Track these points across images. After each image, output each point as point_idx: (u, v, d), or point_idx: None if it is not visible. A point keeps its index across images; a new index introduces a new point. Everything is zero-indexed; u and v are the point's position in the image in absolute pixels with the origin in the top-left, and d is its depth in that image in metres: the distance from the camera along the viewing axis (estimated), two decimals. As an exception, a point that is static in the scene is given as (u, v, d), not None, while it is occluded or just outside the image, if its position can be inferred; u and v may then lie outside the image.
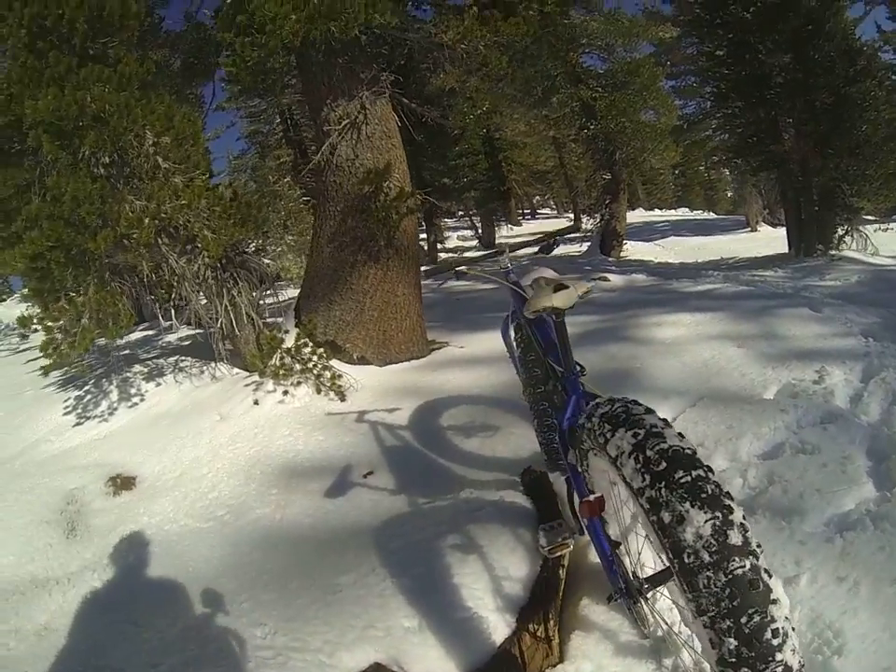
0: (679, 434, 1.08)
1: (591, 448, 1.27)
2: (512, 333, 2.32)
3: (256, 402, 3.46)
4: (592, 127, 11.72)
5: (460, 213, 20.08)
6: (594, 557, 1.81)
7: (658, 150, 12.55)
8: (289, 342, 3.81)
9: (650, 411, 1.17)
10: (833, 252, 8.77)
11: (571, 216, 26.32)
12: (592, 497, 1.29)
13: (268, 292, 4.45)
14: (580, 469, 1.42)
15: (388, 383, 3.76)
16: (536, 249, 2.55)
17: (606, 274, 7.39)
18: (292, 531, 2.27)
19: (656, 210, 31.10)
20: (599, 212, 12.65)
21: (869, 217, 9.28)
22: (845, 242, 9.07)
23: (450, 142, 12.74)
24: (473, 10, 3.67)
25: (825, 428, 2.35)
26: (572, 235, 14.52)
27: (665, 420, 1.13)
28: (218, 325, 3.73)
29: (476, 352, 4.15)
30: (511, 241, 13.90)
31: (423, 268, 2.48)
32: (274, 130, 16.53)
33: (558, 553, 1.62)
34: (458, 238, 21.02)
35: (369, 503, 2.34)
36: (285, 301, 5.08)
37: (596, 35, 10.76)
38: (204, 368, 4.15)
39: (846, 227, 9.03)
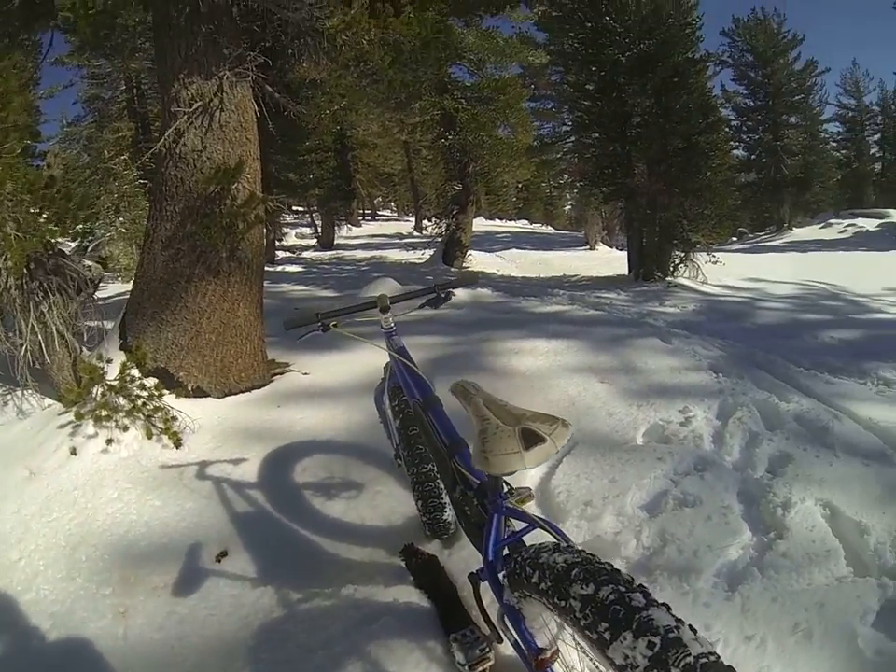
0: (691, 628, 0.92)
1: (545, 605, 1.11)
2: (388, 400, 2.17)
3: (73, 451, 2.95)
4: (450, 137, 12.44)
5: (301, 210, 19.76)
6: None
7: (512, 167, 13.46)
8: (113, 372, 3.34)
9: (630, 584, 1.00)
10: (670, 279, 10.23)
11: (412, 220, 27.22)
12: (548, 653, 1.16)
13: (88, 304, 3.81)
14: (517, 607, 1.25)
15: (230, 421, 3.46)
16: (422, 302, 2.25)
17: (451, 289, 7.54)
18: (143, 654, 1.89)
19: (497, 220, 33.00)
20: (445, 221, 13.14)
21: (701, 248, 10.67)
22: (679, 269, 10.51)
23: (302, 135, 12.51)
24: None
25: (702, 477, 2.58)
26: (413, 239, 14.97)
27: (666, 606, 0.97)
28: (23, 349, 3.11)
29: (323, 381, 3.94)
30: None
31: (284, 319, 2.23)
32: (117, 98, 15.23)
33: (479, 670, 1.46)
34: (297, 236, 20.66)
35: (229, 602, 2.06)
36: (111, 298, 4.41)
37: (471, 49, 11.27)
38: (8, 398, 3.59)
39: (682, 257, 10.57)
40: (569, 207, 40.47)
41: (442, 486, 1.91)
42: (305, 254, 15.73)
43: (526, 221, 38.53)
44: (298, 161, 13.43)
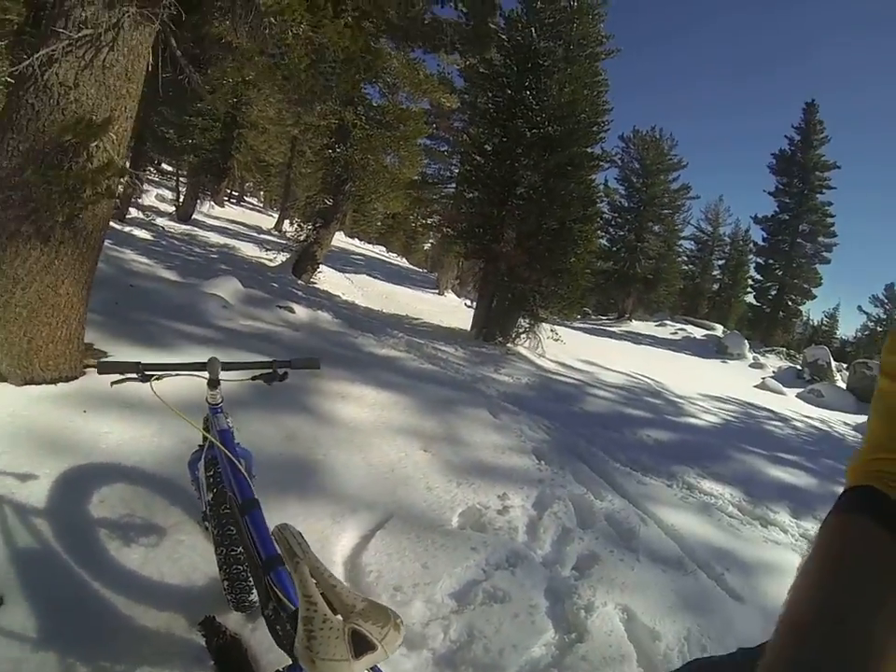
0: None
1: None
2: (203, 469, 2.01)
3: None
4: (338, 150, 12.33)
5: (169, 171, 18.53)
6: None
7: (387, 197, 13.59)
8: None
9: None
10: (510, 345, 10.81)
11: (276, 217, 26.58)
12: None
13: None
14: None
15: (24, 420, 2.99)
16: (257, 375, 2.04)
17: (292, 304, 7.35)
18: None
19: (356, 239, 33.11)
20: (306, 231, 12.96)
21: (545, 320, 11.41)
22: (521, 338, 11.17)
23: (194, 95, 11.82)
24: None
25: (513, 572, 2.71)
26: (271, 238, 14.53)
27: None
28: None
29: (140, 386, 3.57)
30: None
31: (98, 360, 1.88)
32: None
33: None
34: (156, 198, 19.21)
35: (7, 669, 1.77)
36: None
37: (391, 73, 11.46)
38: None
39: (526, 327, 11.29)
40: (429, 246, 41.82)
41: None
42: (159, 220, 14.60)
43: (384, 248, 39.15)
44: (182, 121, 12.79)
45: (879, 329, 40.22)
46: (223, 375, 1.88)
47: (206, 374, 1.88)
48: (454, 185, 21.87)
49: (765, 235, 36.21)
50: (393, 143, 12.76)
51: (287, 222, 24.77)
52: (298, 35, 3.50)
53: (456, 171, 21.35)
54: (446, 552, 2.72)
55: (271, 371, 1.97)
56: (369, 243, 37.78)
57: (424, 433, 4.15)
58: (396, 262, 34.17)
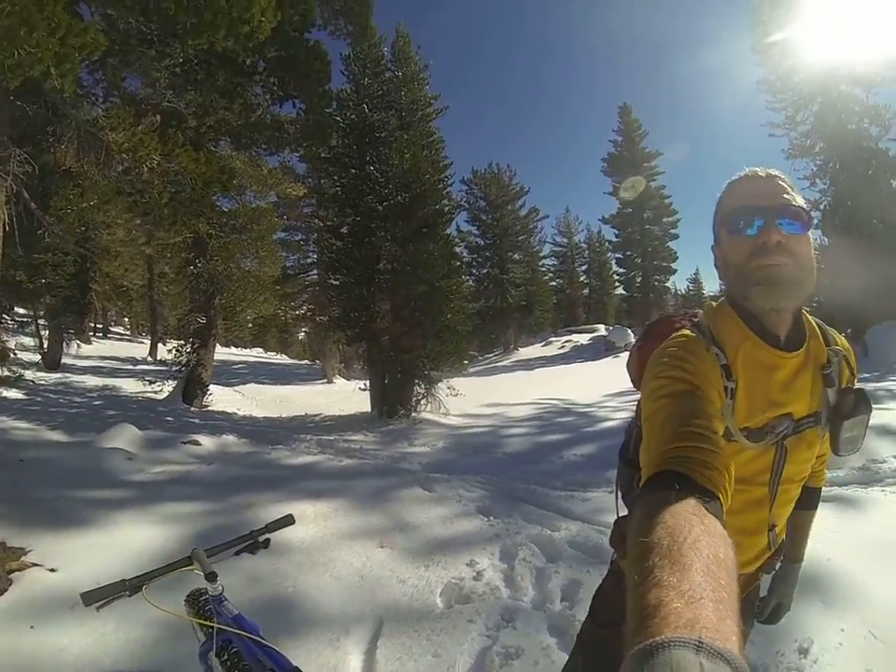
0: None
1: None
2: (215, 657, 1.88)
3: None
4: (199, 265, 12.06)
5: (26, 319, 17.19)
6: None
7: (257, 302, 13.46)
8: None
9: None
10: (414, 415, 11.01)
11: (148, 342, 25.56)
12: None
13: None
14: None
15: None
16: (240, 547, 2.01)
17: (196, 437, 7.20)
18: None
19: (231, 347, 32.37)
20: (185, 354, 12.49)
21: (441, 377, 11.70)
22: (421, 405, 11.40)
23: (41, 231, 11.21)
24: (155, 119, 3.38)
25: (514, 626, 2.90)
26: (149, 367, 13.87)
27: None
28: None
29: (80, 578, 3.17)
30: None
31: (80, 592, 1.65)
32: None
33: None
34: (17, 346, 17.70)
35: None
36: None
37: (235, 175, 11.47)
38: None
39: (423, 393, 11.59)
40: (303, 336, 41.61)
41: None
42: (28, 374, 13.41)
43: (261, 349, 38.48)
44: (32, 260, 12.08)
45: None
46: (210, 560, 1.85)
47: (197, 569, 1.83)
48: (315, 271, 22.13)
49: (617, 231, 39.72)
50: (251, 245, 12.76)
51: (160, 346, 24.00)
52: (153, 169, 3.59)
53: (315, 257, 21.62)
54: (448, 634, 2.84)
55: (252, 541, 2.01)
56: (245, 347, 36.91)
57: (373, 530, 4.23)
58: (277, 361, 33.63)
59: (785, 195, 1.15)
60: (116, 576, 2.24)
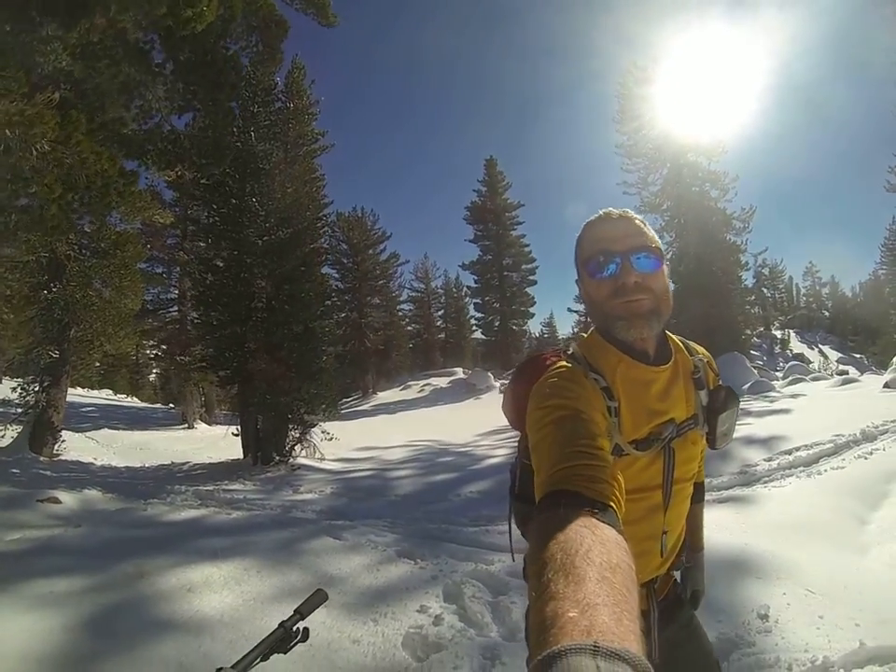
0: None
1: None
2: None
3: None
4: (54, 290, 10.51)
5: None
6: None
7: (118, 336, 12.04)
8: None
9: None
10: (292, 461, 10.42)
11: None
12: None
13: None
14: None
15: None
16: (270, 648, 1.29)
17: (53, 493, 6.22)
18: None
19: (78, 388, 29.27)
20: (33, 394, 10.73)
21: (315, 421, 11.14)
22: (295, 450, 10.81)
23: None
24: (54, 95, 2.77)
25: (502, 662, 2.82)
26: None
27: None
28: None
29: None
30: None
31: None
32: None
33: None
34: None
35: None
36: None
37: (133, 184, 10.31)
38: None
39: (298, 438, 10.95)
40: (154, 377, 39.16)
41: None
42: None
43: (111, 391, 35.22)
44: None
45: (588, 319, 48.49)
46: None
47: None
48: (175, 308, 20.65)
49: (476, 277, 41.09)
50: (114, 272, 11.45)
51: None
52: (44, 155, 2.96)
53: (177, 292, 20.19)
54: None
55: (282, 631, 1.44)
56: (92, 388, 33.51)
57: (297, 589, 3.75)
58: (129, 404, 30.80)
59: (638, 236, 1.24)
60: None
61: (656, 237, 1.29)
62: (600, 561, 0.64)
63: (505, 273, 40.34)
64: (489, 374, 29.15)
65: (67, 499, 6.10)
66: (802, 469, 5.95)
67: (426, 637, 3.09)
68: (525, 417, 1.20)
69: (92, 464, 10.51)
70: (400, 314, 42.88)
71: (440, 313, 47.41)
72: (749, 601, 3.14)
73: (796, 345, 29.01)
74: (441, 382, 32.34)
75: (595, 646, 0.48)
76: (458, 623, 3.25)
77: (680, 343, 1.40)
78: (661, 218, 23.81)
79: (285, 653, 1.39)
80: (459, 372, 34.07)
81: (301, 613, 1.48)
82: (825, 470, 5.64)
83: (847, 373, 19.43)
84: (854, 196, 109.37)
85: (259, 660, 1.34)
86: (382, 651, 2.98)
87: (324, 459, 10.86)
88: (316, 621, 3.25)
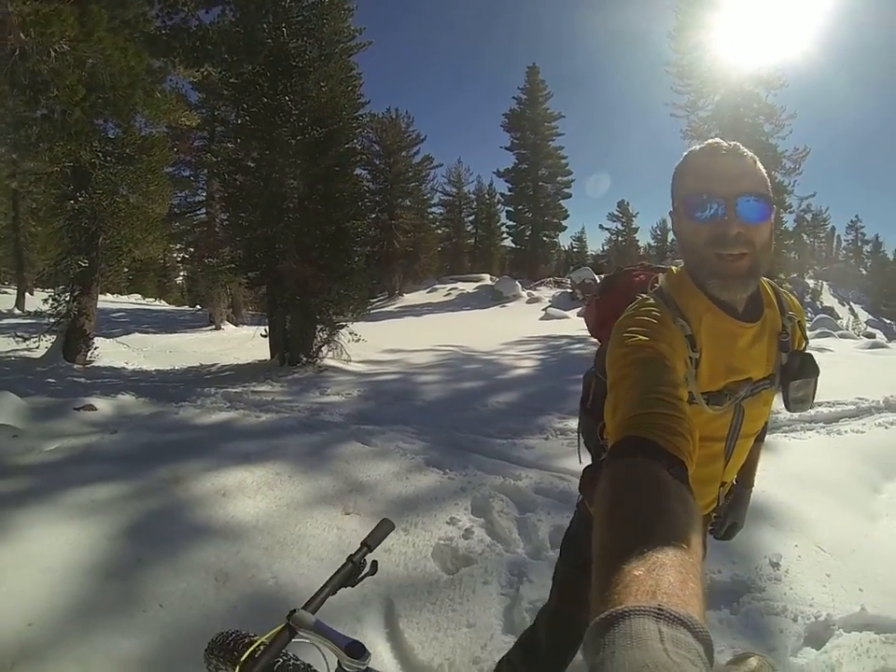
0: None
1: None
2: None
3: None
4: (81, 199, 10.34)
5: None
6: None
7: (146, 241, 11.97)
8: None
9: None
10: (319, 363, 10.44)
11: (14, 292, 22.80)
12: None
13: None
14: None
15: None
16: (341, 583, 1.26)
17: (88, 401, 6.30)
18: None
19: (108, 294, 29.81)
20: (64, 303, 10.83)
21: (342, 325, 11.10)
22: (322, 351, 10.82)
23: None
24: None
25: (529, 580, 2.81)
26: (17, 320, 11.99)
27: None
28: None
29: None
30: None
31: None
32: None
33: None
34: None
35: None
36: None
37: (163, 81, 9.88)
38: None
39: (325, 339, 10.93)
40: (181, 280, 39.57)
41: None
42: None
43: (139, 296, 35.84)
44: None
45: (620, 238, 50.25)
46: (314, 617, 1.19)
47: (309, 638, 1.17)
48: (203, 211, 20.48)
49: (510, 185, 40.34)
50: (140, 178, 11.25)
51: (27, 295, 21.45)
52: (63, 55, 2.75)
53: (205, 194, 19.96)
54: (468, 601, 2.68)
55: (350, 565, 1.36)
56: (121, 294, 34.04)
57: (329, 495, 3.83)
58: (158, 307, 31.30)
59: (748, 177, 1.13)
60: (45, 619, 1.75)
61: (767, 179, 1.17)
62: (670, 518, 0.64)
63: (540, 184, 39.53)
64: (517, 283, 28.94)
65: (102, 406, 6.18)
66: (822, 425, 5.78)
67: (455, 550, 3.13)
68: (608, 333, 1.19)
69: (124, 368, 10.77)
70: (431, 217, 42.24)
71: (470, 218, 46.75)
72: (762, 547, 3.20)
73: (828, 298, 28.12)
74: (468, 287, 32.28)
75: (658, 609, 0.48)
76: (487, 537, 3.28)
77: (773, 297, 1.32)
78: None
79: (353, 587, 1.36)
80: (487, 279, 33.94)
81: (368, 546, 1.42)
82: (845, 431, 5.50)
83: (875, 337, 18.98)
84: None
85: (329, 595, 1.31)
86: (413, 561, 3.02)
87: (350, 361, 10.86)
88: (349, 528, 3.35)
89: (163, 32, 6.16)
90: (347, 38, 11.92)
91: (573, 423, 6.11)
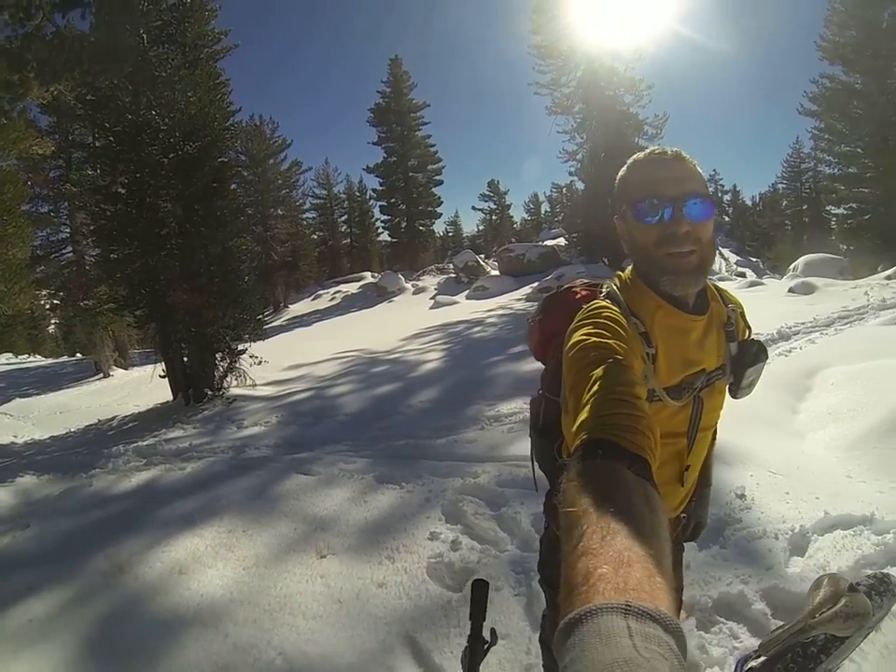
0: None
1: None
2: None
3: None
4: None
5: None
6: None
7: (13, 293, 10.63)
8: None
9: None
10: (225, 393, 9.89)
11: None
12: None
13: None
14: None
15: None
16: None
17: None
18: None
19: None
20: None
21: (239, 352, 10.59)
22: (227, 381, 10.30)
23: None
24: None
25: (528, 575, 2.87)
26: None
27: None
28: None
29: None
30: None
31: None
32: None
33: None
34: None
35: None
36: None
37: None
38: None
39: (227, 367, 10.34)
40: (53, 328, 36.72)
41: None
42: None
43: (10, 354, 32.46)
44: None
45: (494, 217, 52.37)
46: None
47: None
48: (70, 249, 18.82)
49: (381, 180, 40.22)
50: None
51: None
52: None
53: (69, 231, 18.33)
54: (490, 611, 2.55)
55: (478, 649, 1.21)
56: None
57: (293, 540, 3.57)
58: (34, 364, 28.28)
59: (692, 180, 1.18)
60: None
61: (706, 180, 1.24)
62: (636, 516, 0.64)
63: (410, 175, 39.65)
64: (399, 276, 29.10)
65: (2, 496, 5.32)
66: (734, 363, 6.43)
67: (451, 565, 3.06)
68: (553, 353, 1.25)
69: (14, 444, 9.50)
70: (305, 223, 41.93)
71: (343, 218, 46.31)
72: (725, 484, 3.42)
73: None
74: (352, 288, 32.11)
75: (626, 605, 0.48)
76: (475, 543, 3.25)
77: (716, 292, 1.38)
78: (573, 119, 24.18)
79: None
80: (368, 276, 34.00)
81: (475, 617, 1.26)
82: (755, 364, 6.12)
83: (745, 276, 20.98)
84: (765, 112, 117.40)
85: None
86: (412, 588, 2.91)
87: (256, 386, 10.36)
88: (332, 572, 3.15)
89: (13, 42, 5.35)
90: (213, 42, 11.05)
91: (504, 407, 6.29)
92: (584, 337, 1.09)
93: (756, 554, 2.87)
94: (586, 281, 1.55)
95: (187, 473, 5.39)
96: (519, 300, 19.14)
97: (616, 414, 0.88)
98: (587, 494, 0.69)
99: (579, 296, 1.44)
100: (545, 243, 29.76)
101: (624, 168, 1.29)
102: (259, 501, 4.29)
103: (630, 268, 1.32)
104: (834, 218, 26.78)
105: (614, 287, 1.29)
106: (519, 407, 6.13)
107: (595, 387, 0.95)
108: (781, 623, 1.31)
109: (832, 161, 25.38)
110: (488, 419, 5.87)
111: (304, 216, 42.11)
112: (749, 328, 1.47)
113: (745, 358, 1.36)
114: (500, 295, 21.16)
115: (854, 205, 24.98)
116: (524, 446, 4.66)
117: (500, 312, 16.56)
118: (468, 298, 22.31)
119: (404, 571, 3.05)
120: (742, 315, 1.43)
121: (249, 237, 11.19)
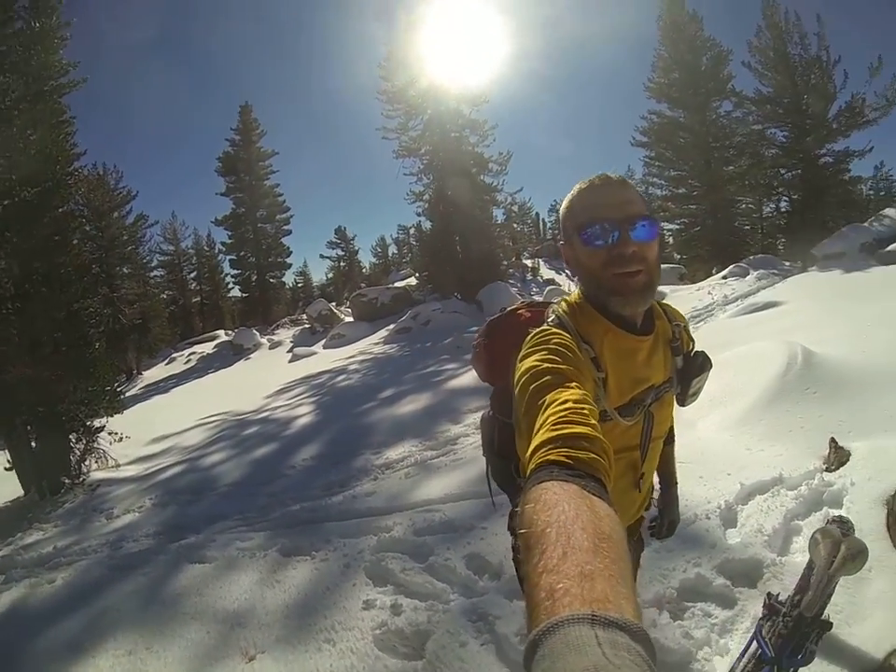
0: None
1: None
2: None
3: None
4: None
5: None
6: None
7: None
8: None
9: None
10: (86, 480, 8.75)
11: None
12: None
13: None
14: None
15: None
16: None
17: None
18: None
19: None
20: None
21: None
22: (86, 465, 9.14)
23: None
24: None
25: (489, 616, 2.70)
26: None
27: None
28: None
29: None
30: None
31: None
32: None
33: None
34: None
35: None
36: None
37: None
38: None
39: (85, 448, 9.17)
40: None
41: None
42: None
43: None
44: None
45: (342, 264, 52.42)
46: None
47: None
48: None
49: (230, 233, 38.65)
50: None
51: None
52: None
53: None
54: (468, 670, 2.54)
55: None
56: None
57: (211, 647, 3.12)
58: None
59: (636, 203, 1.22)
60: None
61: (646, 204, 1.28)
62: (593, 532, 0.64)
63: (259, 225, 38.62)
64: (254, 332, 28.23)
65: None
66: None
67: (401, 632, 2.84)
68: (502, 375, 1.29)
69: None
70: (153, 281, 38.92)
71: (192, 274, 43.86)
72: None
73: (546, 272, 31.95)
74: (206, 348, 30.56)
75: (592, 615, 0.49)
76: (416, 601, 3.09)
77: (661, 310, 1.43)
78: (420, 161, 24.86)
79: None
80: (222, 335, 32.42)
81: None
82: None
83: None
84: (602, 144, 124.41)
85: None
86: (368, 669, 2.64)
87: (120, 466, 9.34)
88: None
89: None
90: (59, 74, 9.83)
91: (391, 453, 6.27)
92: (537, 363, 1.09)
93: (697, 538, 3.04)
94: (529, 302, 1.63)
95: (58, 586, 4.61)
96: (377, 343, 18.98)
97: (570, 436, 0.88)
98: (544, 515, 0.69)
99: (524, 318, 1.50)
100: (396, 284, 29.93)
101: (568, 197, 1.30)
102: (156, 606, 3.75)
103: (576, 292, 1.35)
104: (669, 233, 29.82)
105: (563, 313, 1.31)
106: (408, 451, 6.08)
107: (549, 411, 0.96)
108: (769, 592, 1.36)
109: (662, 184, 28.45)
110: (379, 468, 5.75)
111: (152, 274, 39.35)
112: (693, 340, 1.53)
113: (691, 370, 1.43)
114: (358, 341, 20.89)
115: (686, 220, 28.17)
116: (427, 490, 4.65)
117: (361, 358, 16.40)
118: (325, 347, 21.85)
119: (351, 652, 2.77)
120: (686, 329, 1.48)
121: (96, 298, 10.05)
